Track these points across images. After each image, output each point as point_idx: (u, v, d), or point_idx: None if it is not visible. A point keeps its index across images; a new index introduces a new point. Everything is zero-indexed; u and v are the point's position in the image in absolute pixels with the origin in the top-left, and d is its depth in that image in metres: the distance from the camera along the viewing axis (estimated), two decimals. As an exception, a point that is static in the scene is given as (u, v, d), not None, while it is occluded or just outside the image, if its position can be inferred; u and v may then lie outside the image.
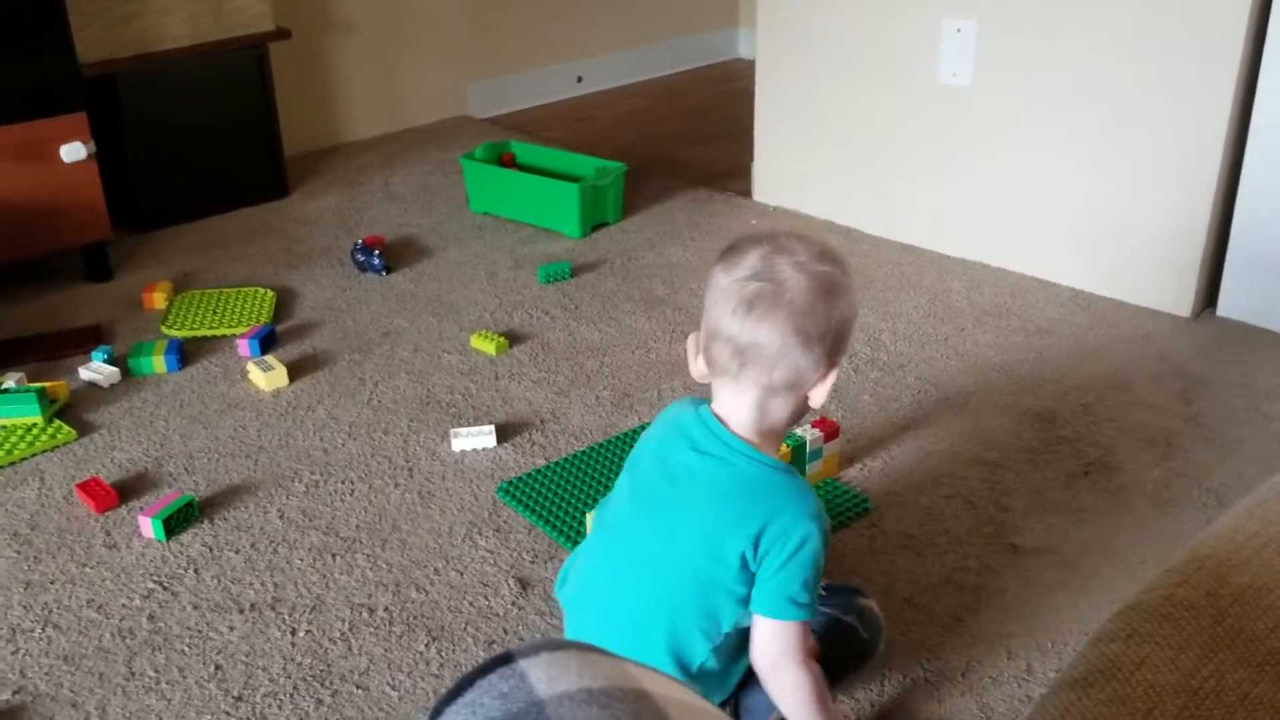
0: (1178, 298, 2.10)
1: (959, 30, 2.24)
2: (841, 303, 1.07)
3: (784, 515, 1.06)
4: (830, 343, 1.07)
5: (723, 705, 1.16)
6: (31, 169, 2.14)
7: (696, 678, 1.11)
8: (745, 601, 1.09)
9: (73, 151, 2.17)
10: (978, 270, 2.30)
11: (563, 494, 1.60)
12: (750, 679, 1.15)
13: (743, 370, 1.07)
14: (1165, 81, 2.00)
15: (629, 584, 1.13)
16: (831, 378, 1.09)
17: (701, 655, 1.11)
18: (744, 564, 1.07)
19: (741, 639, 1.12)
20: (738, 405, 1.10)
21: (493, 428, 1.73)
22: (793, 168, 2.62)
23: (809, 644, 1.10)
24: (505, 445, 1.73)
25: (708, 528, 1.08)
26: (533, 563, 1.48)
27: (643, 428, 1.76)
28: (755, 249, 1.07)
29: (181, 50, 2.48)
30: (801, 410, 1.12)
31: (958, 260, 2.35)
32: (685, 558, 1.09)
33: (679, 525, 1.10)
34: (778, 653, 1.08)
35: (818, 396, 1.10)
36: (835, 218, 2.55)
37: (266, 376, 1.89)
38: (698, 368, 1.12)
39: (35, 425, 1.76)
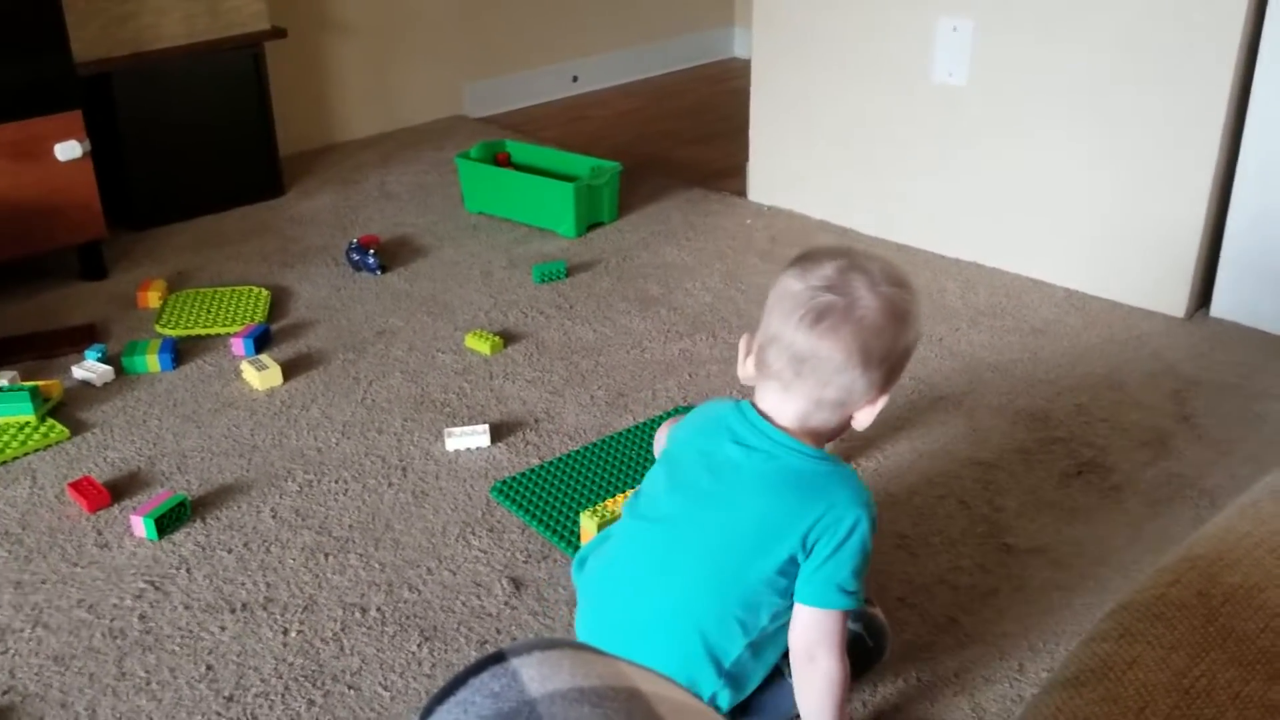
0: (1172, 298, 2.10)
1: (955, 30, 2.24)
2: (909, 330, 1.08)
3: (836, 505, 1.06)
4: (889, 368, 1.07)
5: (735, 709, 1.15)
6: (27, 167, 2.14)
7: (727, 674, 1.11)
8: (786, 594, 1.09)
9: (68, 150, 2.16)
10: (972, 270, 2.30)
11: (557, 494, 1.60)
12: (767, 681, 1.14)
13: (796, 379, 1.07)
14: (1161, 81, 2.00)
15: (666, 572, 1.12)
16: (881, 403, 1.09)
17: (737, 649, 1.10)
18: (792, 558, 1.07)
19: (777, 634, 1.12)
20: (781, 410, 1.10)
21: (487, 427, 1.73)
22: (788, 167, 2.62)
23: (846, 636, 1.10)
24: (499, 445, 1.73)
25: (754, 520, 1.08)
26: (526, 563, 1.48)
27: (638, 427, 1.76)
28: (832, 261, 1.07)
29: (177, 49, 2.48)
30: (843, 429, 1.12)
31: (952, 260, 2.35)
32: (728, 549, 1.08)
33: (722, 517, 1.09)
34: (816, 642, 1.08)
35: (863, 419, 1.10)
36: (830, 218, 2.55)
37: (261, 375, 1.88)
38: (745, 370, 1.12)
39: (28, 424, 1.76)
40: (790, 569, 1.07)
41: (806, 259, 1.09)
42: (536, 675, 0.46)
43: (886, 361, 1.06)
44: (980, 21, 2.20)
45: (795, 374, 1.06)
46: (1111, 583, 1.42)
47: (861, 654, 1.21)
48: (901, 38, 2.32)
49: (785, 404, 1.09)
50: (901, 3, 2.30)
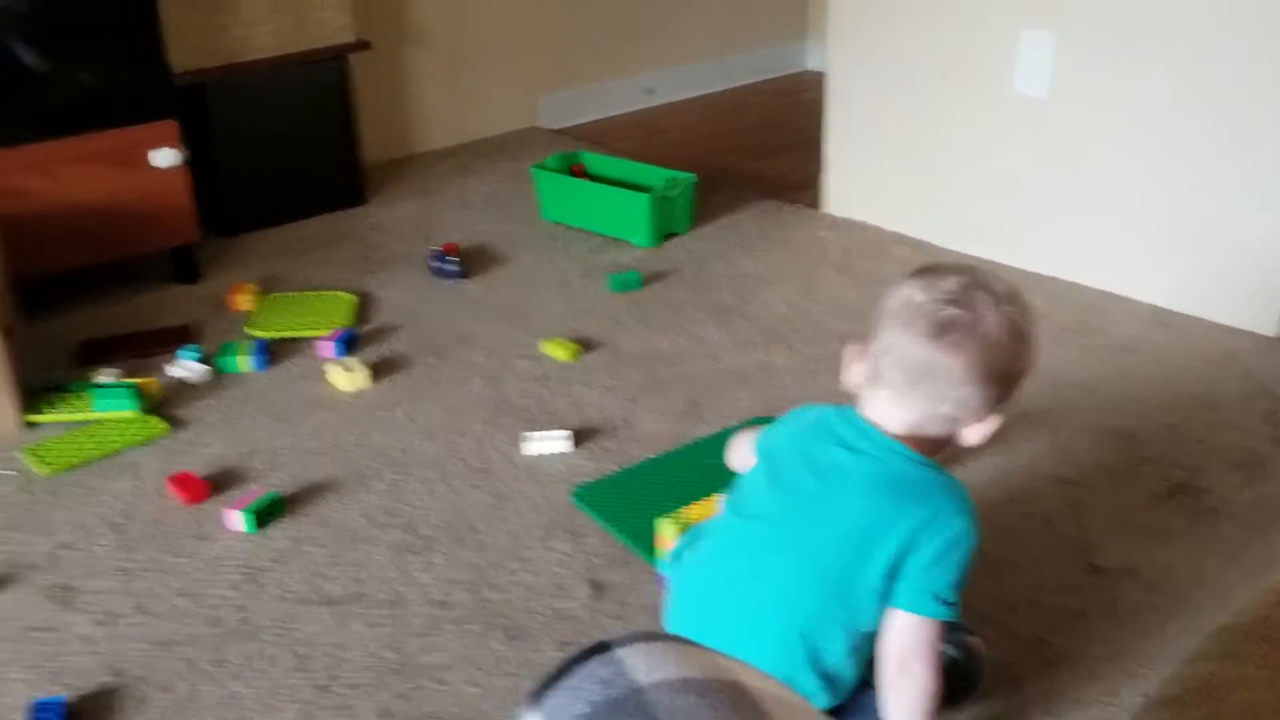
0: (1262, 315, 2.05)
1: (1036, 41, 2.22)
2: (1028, 352, 1.09)
3: (940, 513, 1.07)
4: (1005, 387, 1.08)
5: (831, 711, 1.15)
6: (125, 174, 2.22)
7: (825, 676, 1.11)
8: (888, 599, 1.09)
9: (164, 157, 2.24)
10: (1055, 285, 2.27)
11: (635, 500, 1.62)
12: (858, 688, 1.14)
13: (911, 390, 1.08)
14: (1249, 93, 1.96)
15: (767, 570, 1.12)
16: (991, 423, 1.10)
17: (837, 653, 1.10)
18: (896, 563, 1.07)
19: (875, 640, 1.11)
20: (890, 418, 1.11)
21: (566, 433, 1.75)
22: (864, 179, 2.61)
23: (940, 650, 1.09)
24: (577, 450, 1.75)
25: (859, 523, 1.08)
26: (605, 568, 1.50)
27: (716, 436, 1.76)
28: (956, 275, 1.09)
29: (268, 61, 2.55)
30: (949, 443, 1.13)
31: (1034, 275, 2.32)
32: (833, 550, 1.09)
33: (827, 518, 1.10)
34: (909, 650, 1.07)
35: (972, 435, 1.11)
36: (907, 230, 2.54)
37: (347, 377, 1.93)
38: (853, 377, 1.13)
39: (130, 419, 1.82)
40: (891, 572, 1.07)
41: (929, 272, 1.10)
42: (642, 665, 0.47)
43: (1005, 380, 1.07)
44: (1061, 33, 2.18)
45: (910, 385, 1.07)
46: (1205, 607, 1.39)
47: (957, 683, 1.19)
48: (980, 49, 2.31)
49: (896, 413, 1.10)
50: (980, 14, 2.29)
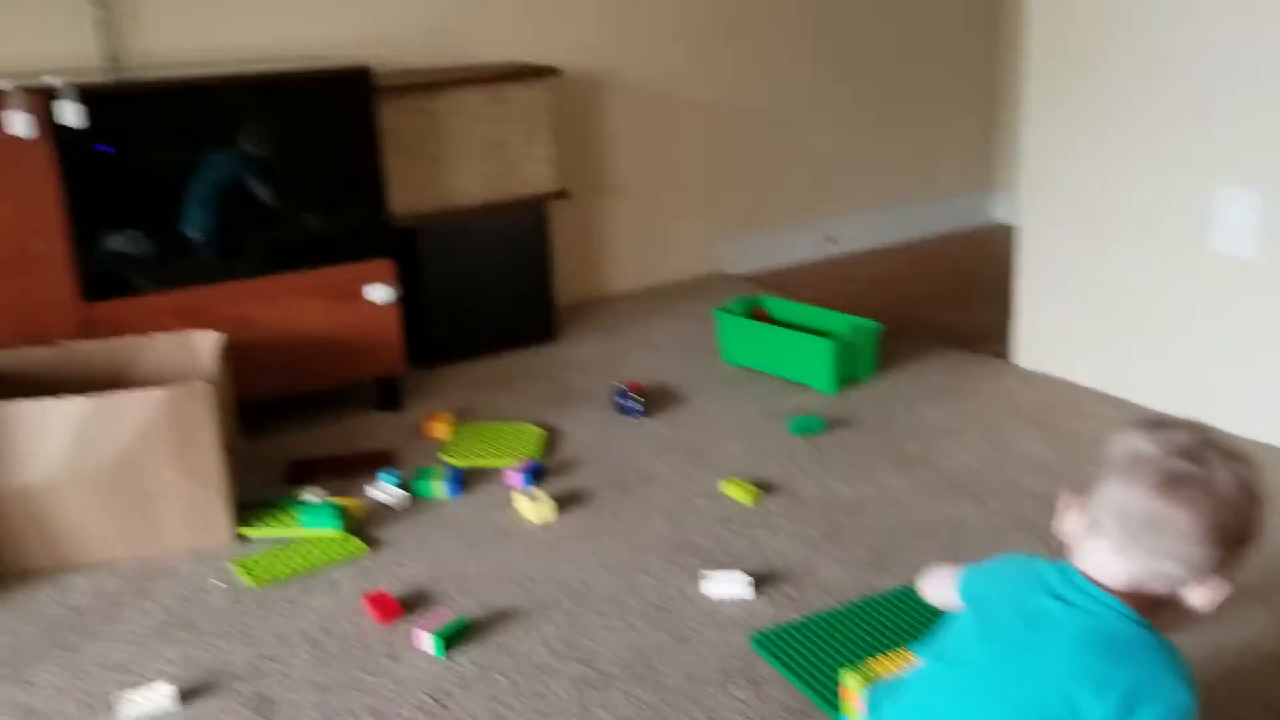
0: None
1: (1235, 199, 2.14)
2: (1259, 514, 1.05)
3: (1158, 680, 1.01)
4: (1231, 550, 1.04)
5: None
6: (342, 307, 2.40)
7: None
8: None
9: (379, 294, 2.42)
10: (1268, 452, 2.12)
11: (818, 650, 1.57)
12: None
13: (1133, 544, 1.04)
14: None
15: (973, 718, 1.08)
16: (1220, 589, 1.05)
17: None
18: None
19: None
20: (1107, 571, 1.07)
21: (747, 576, 1.73)
22: (1056, 332, 2.55)
23: None
24: (758, 595, 1.72)
25: (1067, 677, 1.04)
26: (787, 719, 1.45)
27: (904, 591, 1.70)
28: (1185, 430, 1.07)
29: (475, 207, 2.75)
30: (1168, 606, 1.07)
31: (1245, 440, 2.17)
32: (1039, 704, 1.04)
33: (1034, 669, 1.06)
34: None
35: (1198, 599, 1.06)
36: (1104, 387, 2.44)
37: (534, 508, 1.98)
38: (1067, 526, 1.11)
39: (333, 538, 1.92)
40: None
41: (1156, 424, 1.08)
42: None
43: (1233, 542, 1.03)
44: (1269, 190, 2.10)
45: (1132, 538, 1.04)
46: None
47: None
48: (1176, 205, 2.25)
49: (1114, 566, 1.06)
50: (1180, 169, 2.24)
